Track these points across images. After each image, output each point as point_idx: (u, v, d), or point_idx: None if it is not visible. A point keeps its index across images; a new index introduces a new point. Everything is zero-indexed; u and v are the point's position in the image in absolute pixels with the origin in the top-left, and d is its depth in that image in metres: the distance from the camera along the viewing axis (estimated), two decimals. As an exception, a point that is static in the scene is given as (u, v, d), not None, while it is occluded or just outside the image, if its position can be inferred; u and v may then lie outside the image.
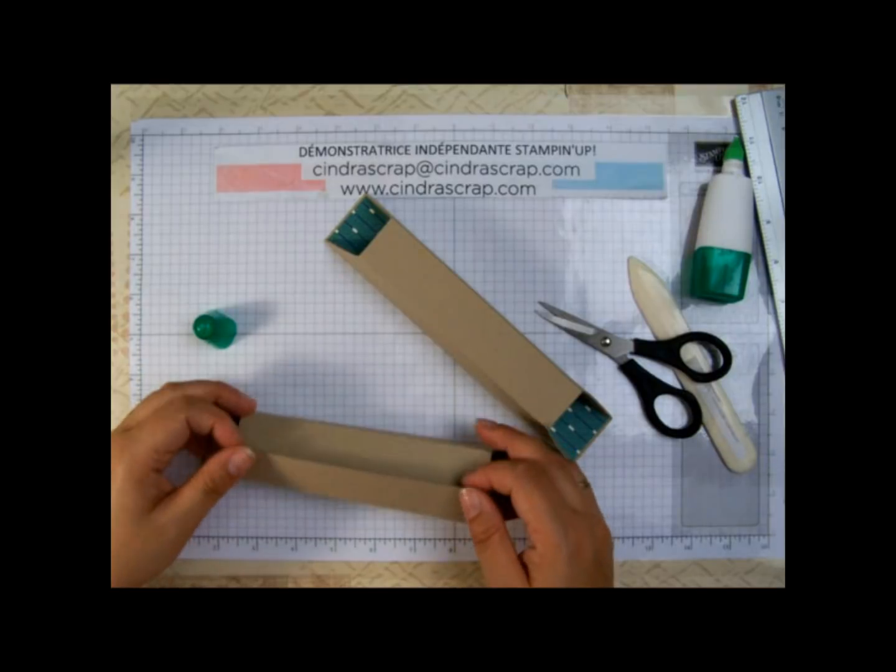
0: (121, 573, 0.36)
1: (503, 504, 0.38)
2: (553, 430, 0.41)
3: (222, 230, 0.45)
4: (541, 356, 0.41)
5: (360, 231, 0.43)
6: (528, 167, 0.46)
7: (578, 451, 0.42)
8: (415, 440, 0.43)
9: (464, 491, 0.39)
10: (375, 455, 0.42)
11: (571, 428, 0.42)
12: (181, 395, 0.39)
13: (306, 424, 0.43)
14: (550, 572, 0.35)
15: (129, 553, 0.36)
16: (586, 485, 0.40)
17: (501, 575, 0.37)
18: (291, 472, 0.41)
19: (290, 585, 0.45)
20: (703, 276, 0.43)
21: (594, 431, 0.42)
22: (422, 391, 0.45)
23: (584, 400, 0.42)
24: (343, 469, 0.41)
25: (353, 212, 0.43)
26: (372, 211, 0.43)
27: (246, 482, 0.43)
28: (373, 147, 0.46)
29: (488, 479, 0.39)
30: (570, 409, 0.42)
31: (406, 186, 0.46)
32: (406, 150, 0.46)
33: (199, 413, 0.38)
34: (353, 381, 0.45)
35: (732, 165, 0.44)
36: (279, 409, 0.45)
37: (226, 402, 0.41)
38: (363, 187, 0.46)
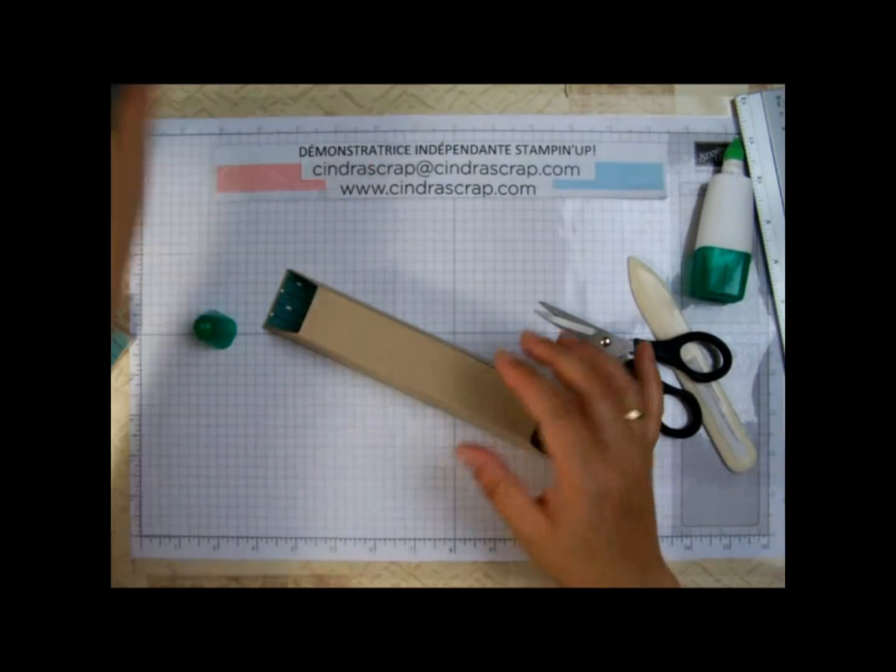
0: None
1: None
2: (534, 436, 0.41)
3: (222, 230, 0.45)
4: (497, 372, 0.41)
5: (294, 306, 0.43)
6: (528, 167, 0.46)
7: None
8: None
9: (460, 449, 0.37)
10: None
11: None
12: None
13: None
14: (572, 516, 0.33)
15: None
16: (642, 415, 0.37)
17: (519, 523, 0.35)
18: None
19: (290, 585, 0.45)
20: (703, 276, 0.43)
21: None
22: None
23: None
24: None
25: (282, 290, 0.43)
26: (299, 284, 0.43)
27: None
28: (373, 147, 0.46)
29: (521, 390, 0.35)
30: None
31: (406, 186, 0.46)
32: (406, 150, 0.46)
33: None
34: (353, 381, 0.45)
35: (732, 165, 0.44)
36: (279, 408, 0.45)
37: None
38: (363, 187, 0.46)
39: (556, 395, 0.35)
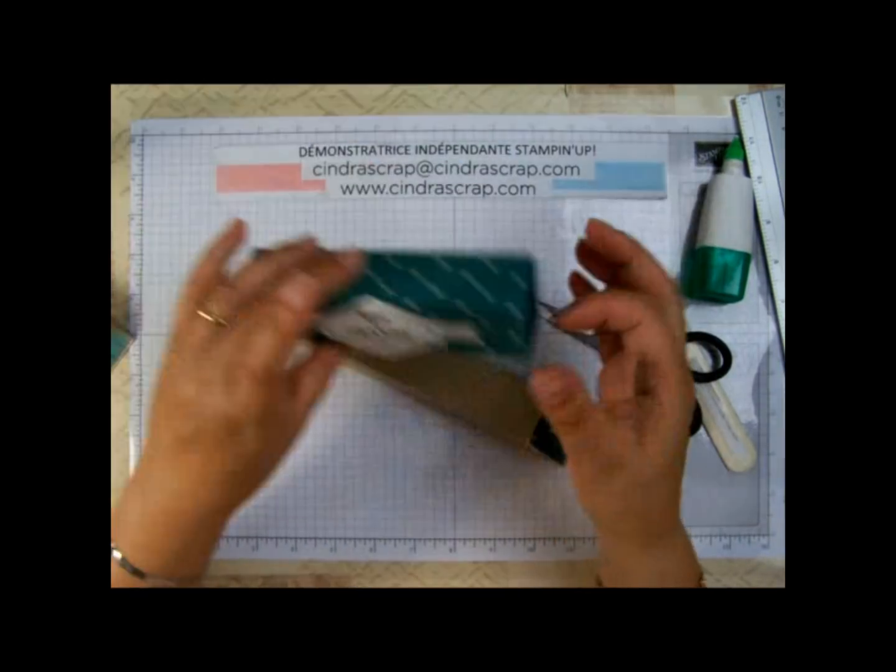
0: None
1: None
2: (535, 437, 0.41)
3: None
4: (498, 372, 0.42)
5: None
6: (528, 167, 0.46)
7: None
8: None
9: (537, 378, 0.29)
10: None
11: (552, 431, 0.42)
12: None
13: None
14: (670, 430, 0.30)
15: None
16: None
17: (604, 449, 0.30)
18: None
19: (290, 585, 0.45)
20: (703, 276, 0.43)
21: None
22: (422, 391, 0.45)
23: None
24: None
25: None
26: None
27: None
28: (373, 147, 0.46)
29: (603, 310, 0.31)
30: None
31: (406, 186, 0.46)
32: (406, 150, 0.46)
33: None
34: (353, 381, 0.45)
35: (732, 165, 0.44)
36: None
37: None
38: (363, 187, 0.46)
39: (650, 294, 0.31)
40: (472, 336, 0.31)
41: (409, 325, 0.31)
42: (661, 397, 0.30)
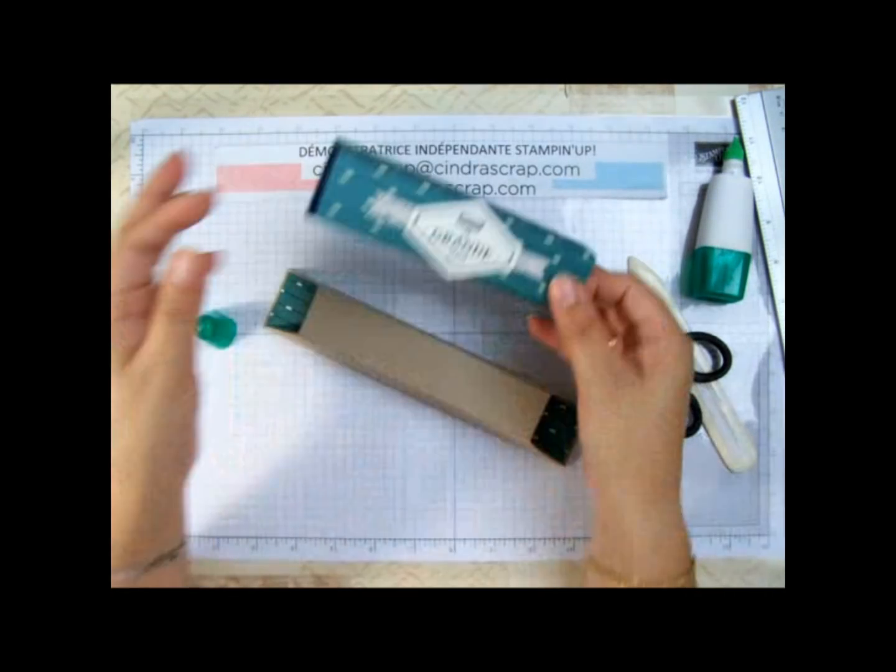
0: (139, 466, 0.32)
1: None
2: (536, 437, 0.41)
3: (222, 230, 0.45)
4: (499, 371, 0.42)
5: (294, 306, 0.43)
6: (528, 167, 0.46)
7: (567, 451, 0.42)
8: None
9: (555, 281, 0.34)
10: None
11: (553, 431, 0.42)
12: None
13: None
14: (669, 372, 0.34)
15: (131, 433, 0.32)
16: None
17: (607, 370, 0.34)
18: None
19: (290, 585, 0.45)
20: (703, 276, 0.43)
21: (576, 427, 0.42)
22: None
23: (556, 401, 0.42)
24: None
25: (282, 290, 0.43)
26: (299, 284, 0.43)
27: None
28: (373, 147, 0.46)
29: (592, 288, 0.35)
30: (546, 413, 0.42)
31: (406, 186, 0.46)
32: (406, 150, 0.46)
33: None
34: (353, 381, 0.45)
35: (732, 165, 0.44)
36: (279, 408, 0.45)
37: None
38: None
39: None
40: (538, 278, 0.34)
41: (496, 242, 0.33)
42: (659, 344, 0.34)
